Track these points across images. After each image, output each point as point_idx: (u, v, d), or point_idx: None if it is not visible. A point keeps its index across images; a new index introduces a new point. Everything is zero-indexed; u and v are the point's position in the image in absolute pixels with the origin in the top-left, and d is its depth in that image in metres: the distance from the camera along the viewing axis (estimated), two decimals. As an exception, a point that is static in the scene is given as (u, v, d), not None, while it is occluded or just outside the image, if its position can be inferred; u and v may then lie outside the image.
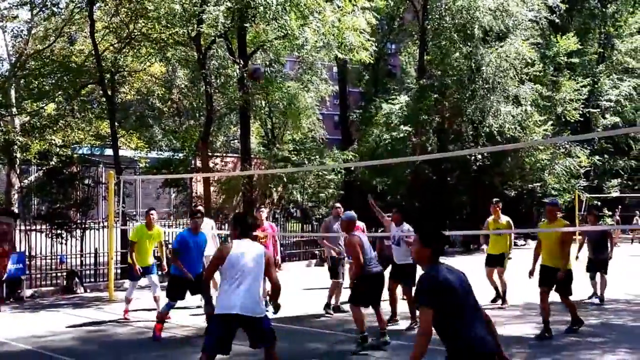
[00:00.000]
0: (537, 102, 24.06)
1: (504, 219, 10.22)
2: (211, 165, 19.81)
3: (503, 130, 22.36)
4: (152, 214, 9.57)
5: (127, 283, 9.76)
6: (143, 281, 10.30)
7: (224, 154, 23.07)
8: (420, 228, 4.17)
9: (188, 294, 8.30)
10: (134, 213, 20.54)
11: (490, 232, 10.34)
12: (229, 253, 5.20)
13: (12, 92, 15.53)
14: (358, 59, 17.20)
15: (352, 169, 22.72)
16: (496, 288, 10.23)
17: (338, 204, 11.11)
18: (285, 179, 19.40)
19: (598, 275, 10.54)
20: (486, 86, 22.26)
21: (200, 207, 11.47)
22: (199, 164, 18.60)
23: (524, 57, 22.31)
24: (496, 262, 10.07)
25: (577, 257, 10.27)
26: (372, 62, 19.85)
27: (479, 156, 22.74)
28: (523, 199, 26.90)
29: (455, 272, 3.77)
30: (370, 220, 11.88)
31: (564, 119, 26.23)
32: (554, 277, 7.69)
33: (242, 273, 5.13)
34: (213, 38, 15.37)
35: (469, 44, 22.10)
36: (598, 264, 10.51)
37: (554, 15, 25.18)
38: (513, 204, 25.92)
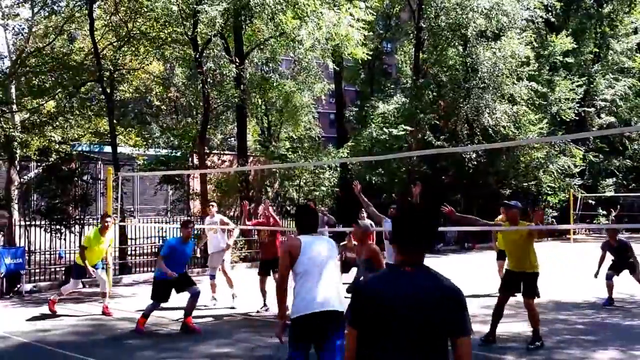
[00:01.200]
0: (532, 101, 24.26)
1: None
2: (208, 162, 20.02)
3: (498, 129, 22.57)
4: (107, 221, 9.91)
5: (71, 282, 9.97)
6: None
7: (221, 152, 23.27)
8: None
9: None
10: (132, 209, 20.76)
11: (482, 229, 10.53)
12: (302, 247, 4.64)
13: (13, 89, 15.71)
14: (355, 55, 17.40)
15: (349, 167, 22.92)
16: None
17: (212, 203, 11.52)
18: (280, 177, 19.60)
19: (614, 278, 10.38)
20: (481, 85, 22.45)
21: (213, 203, 11.65)
22: (196, 161, 18.81)
23: (520, 56, 22.50)
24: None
25: (596, 275, 10.39)
26: (369, 57, 20.00)
27: (474, 155, 22.95)
28: (518, 198, 27.10)
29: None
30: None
31: (559, 118, 26.42)
32: (519, 282, 7.35)
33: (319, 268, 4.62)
34: (209, 37, 15.57)
35: (464, 42, 22.32)
36: (624, 266, 10.40)
37: (550, 14, 25.36)
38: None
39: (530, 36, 24.41)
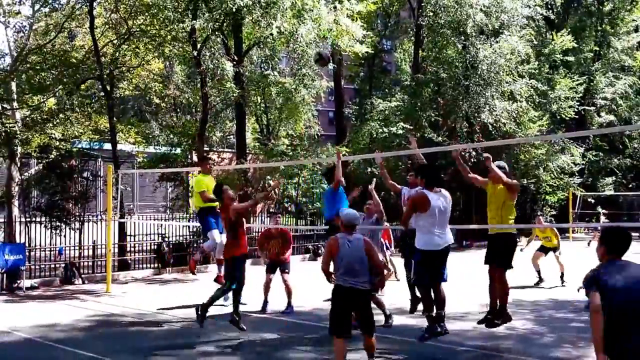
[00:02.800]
0: (532, 99, 24.28)
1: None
2: (208, 159, 20.08)
3: (498, 126, 22.58)
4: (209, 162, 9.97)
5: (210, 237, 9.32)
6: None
7: (221, 149, 23.35)
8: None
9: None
10: (131, 206, 20.87)
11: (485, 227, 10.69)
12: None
13: (14, 86, 15.79)
14: (355, 52, 17.44)
15: (349, 163, 22.97)
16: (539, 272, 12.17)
17: None
18: (279, 174, 19.67)
19: None
20: (481, 82, 22.47)
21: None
22: (195, 158, 18.89)
23: (519, 53, 22.51)
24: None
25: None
26: (368, 52, 19.98)
27: (473, 152, 23.00)
28: (517, 196, 27.14)
29: None
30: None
31: (559, 117, 26.43)
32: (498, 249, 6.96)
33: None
34: (208, 34, 15.64)
35: (463, 40, 22.31)
36: None
37: (550, 12, 25.34)
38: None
39: (530, 34, 24.40)
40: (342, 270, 5.75)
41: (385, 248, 12.07)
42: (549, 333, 8.04)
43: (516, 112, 23.01)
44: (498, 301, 6.96)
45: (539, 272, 12.23)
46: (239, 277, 7.61)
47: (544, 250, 12.46)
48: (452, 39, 22.85)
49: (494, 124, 22.47)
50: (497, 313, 6.98)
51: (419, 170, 7.00)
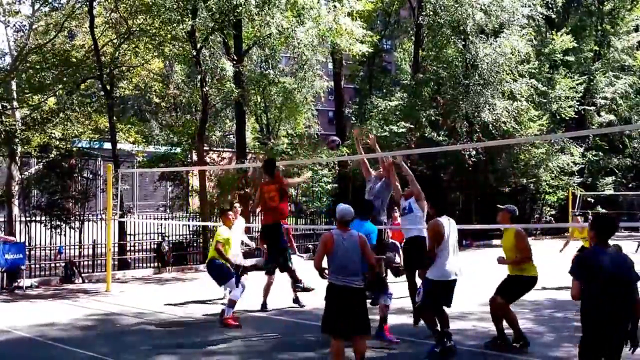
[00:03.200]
0: (532, 98, 24.28)
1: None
2: (207, 159, 20.11)
3: (498, 125, 22.58)
4: (229, 214, 9.50)
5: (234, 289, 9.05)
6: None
7: (220, 149, 23.36)
8: None
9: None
10: (131, 206, 20.88)
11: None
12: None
13: (14, 86, 15.80)
14: (355, 51, 17.44)
15: (349, 163, 22.96)
16: None
17: None
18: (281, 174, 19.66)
19: None
20: (481, 81, 22.47)
21: (236, 204, 11.73)
22: (195, 158, 18.91)
23: (520, 53, 22.50)
24: None
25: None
26: (368, 52, 19.96)
27: (473, 152, 23.01)
28: (517, 196, 27.17)
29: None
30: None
31: (559, 116, 26.43)
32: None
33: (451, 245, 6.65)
34: (208, 34, 15.65)
35: (463, 39, 22.31)
36: None
37: (550, 11, 25.34)
38: (507, 200, 26.22)
39: (530, 34, 24.41)
40: (335, 268, 5.69)
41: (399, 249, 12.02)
42: (549, 333, 8.03)
43: (516, 111, 23.02)
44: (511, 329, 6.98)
45: None
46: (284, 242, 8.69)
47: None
48: (453, 38, 22.85)
49: (494, 124, 22.48)
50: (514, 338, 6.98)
51: (431, 199, 7.25)
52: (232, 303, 8.54)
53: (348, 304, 5.62)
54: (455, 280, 6.71)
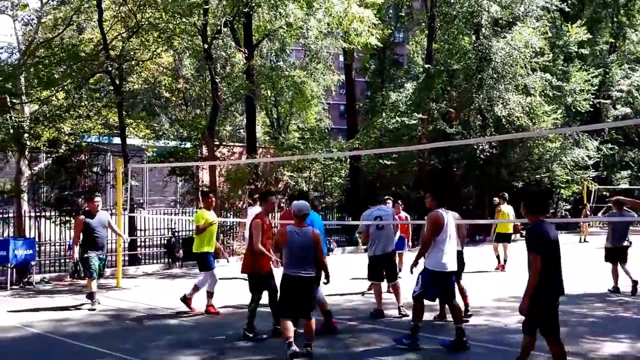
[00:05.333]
0: (546, 92, 23.92)
1: None
2: (218, 154, 19.94)
3: (512, 119, 22.26)
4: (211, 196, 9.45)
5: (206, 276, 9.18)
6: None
7: (231, 144, 23.18)
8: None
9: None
10: (141, 201, 20.75)
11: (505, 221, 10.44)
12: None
13: (22, 81, 15.69)
14: (365, 43, 17.19)
15: (361, 157, 22.72)
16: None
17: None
18: (290, 168, 19.49)
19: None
20: (494, 75, 22.14)
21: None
22: (205, 152, 18.75)
23: (533, 46, 22.13)
24: None
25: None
26: (380, 45, 19.62)
27: (486, 146, 22.68)
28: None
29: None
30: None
31: (574, 110, 26.05)
32: None
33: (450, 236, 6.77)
34: (219, 27, 15.44)
35: (477, 32, 21.95)
36: (617, 253, 10.54)
37: (565, 3, 24.95)
38: (520, 195, 25.87)
39: (545, 25, 24.01)
40: (289, 261, 6.38)
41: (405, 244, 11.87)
42: (562, 327, 7.80)
43: (529, 106, 22.66)
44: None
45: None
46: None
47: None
48: (466, 30, 22.49)
49: (507, 118, 22.14)
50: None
51: (431, 191, 7.28)
52: (196, 289, 8.94)
53: (299, 292, 6.40)
54: (453, 272, 6.84)
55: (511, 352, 6.24)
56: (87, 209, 9.75)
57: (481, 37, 21.87)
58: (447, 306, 7.66)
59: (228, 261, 12.10)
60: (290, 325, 6.35)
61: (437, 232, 6.71)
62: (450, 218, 6.90)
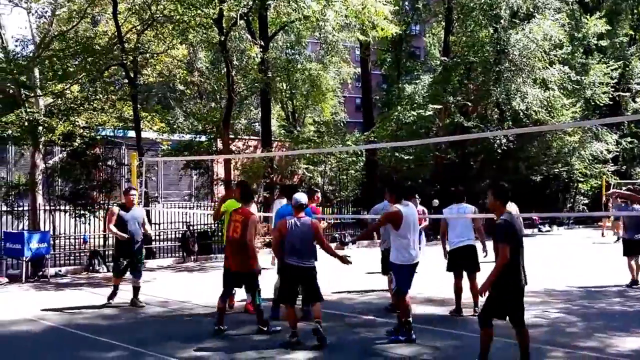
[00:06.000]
0: (564, 85, 23.50)
1: None
2: (232, 148, 19.80)
3: (530, 113, 21.89)
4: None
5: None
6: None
7: (245, 137, 23.03)
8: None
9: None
10: (156, 195, 20.67)
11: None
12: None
13: (37, 73, 15.63)
14: (383, 35, 16.94)
15: (377, 150, 22.46)
16: None
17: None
18: (305, 161, 19.31)
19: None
20: (513, 68, 21.75)
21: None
22: (220, 146, 18.61)
23: (552, 38, 21.71)
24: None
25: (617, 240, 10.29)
26: (398, 33, 19.23)
27: (504, 140, 22.33)
28: (549, 184, 26.44)
29: None
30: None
31: (593, 103, 25.60)
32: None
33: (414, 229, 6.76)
34: (235, 19, 15.27)
35: (495, 24, 21.55)
36: (634, 245, 10.39)
37: (585, -5, 24.50)
38: (538, 189, 25.51)
39: (564, 18, 23.55)
40: (289, 251, 6.61)
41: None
42: (580, 322, 7.78)
43: (547, 100, 22.26)
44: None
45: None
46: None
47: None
48: (484, 22, 22.10)
49: (526, 112, 21.76)
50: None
51: (389, 186, 7.25)
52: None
53: (302, 282, 6.72)
54: (417, 264, 6.87)
55: (530, 348, 6.06)
56: (122, 202, 9.49)
57: (499, 30, 21.46)
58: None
59: None
60: (292, 312, 6.64)
61: (396, 226, 6.66)
62: (411, 211, 6.82)
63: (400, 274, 6.70)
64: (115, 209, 9.05)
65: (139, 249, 9.05)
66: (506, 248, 5.24)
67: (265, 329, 7.19)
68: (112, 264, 9.35)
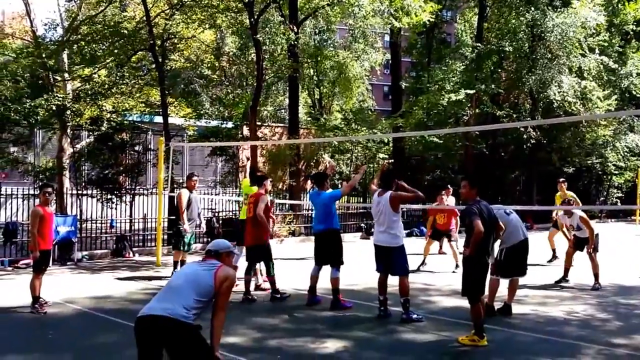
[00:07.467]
0: (600, 75, 22.73)
1: None
2: (259, 134, 19.62)
3: (563, 104, 21.21)
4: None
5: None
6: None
7: (272, 124, 22.82)
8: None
9: None
10: (181, 181, 20.60)
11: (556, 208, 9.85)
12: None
13: (65, 57, 15.63)
14: (417, 21, 16.58)
15: (406, 140, 22.03)
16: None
17: None
18: (331, 149, 19.03)
19: None
20: (548, 55, 21.08)
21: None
22: (246, 132, 18.43)
23: (590, 24, 20.90)
24: None
25: None
26: (431, 21, 18.72)
27: (536, 132, 21.74)
28: (581, 176, 25.75)
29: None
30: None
31: (628, 94, 24.77)
32: None
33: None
34: (267, 2, 15.01)
35: (531, 9, 20.83)
36: None
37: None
38: (571, 181, 24.80)
39: (601, 4, 22.72)
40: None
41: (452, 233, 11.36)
42: (613, 319, 7.50)
43: (583, 90, 21.54)
44: None
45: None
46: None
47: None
48: (520, 7, 21.40)
49: (560, 102, 21.09)
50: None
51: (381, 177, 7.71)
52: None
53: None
54: (383, 246, 7.18)
55: (561, 343, 6.14)
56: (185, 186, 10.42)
57: (537, 15, 20.71)
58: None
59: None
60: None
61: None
62: (382, 200, 7.15)
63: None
64: (186, 192, 10.02)
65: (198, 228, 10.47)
66: (479, 222, 5.84)
67: (278, 295, 8.27)
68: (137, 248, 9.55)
